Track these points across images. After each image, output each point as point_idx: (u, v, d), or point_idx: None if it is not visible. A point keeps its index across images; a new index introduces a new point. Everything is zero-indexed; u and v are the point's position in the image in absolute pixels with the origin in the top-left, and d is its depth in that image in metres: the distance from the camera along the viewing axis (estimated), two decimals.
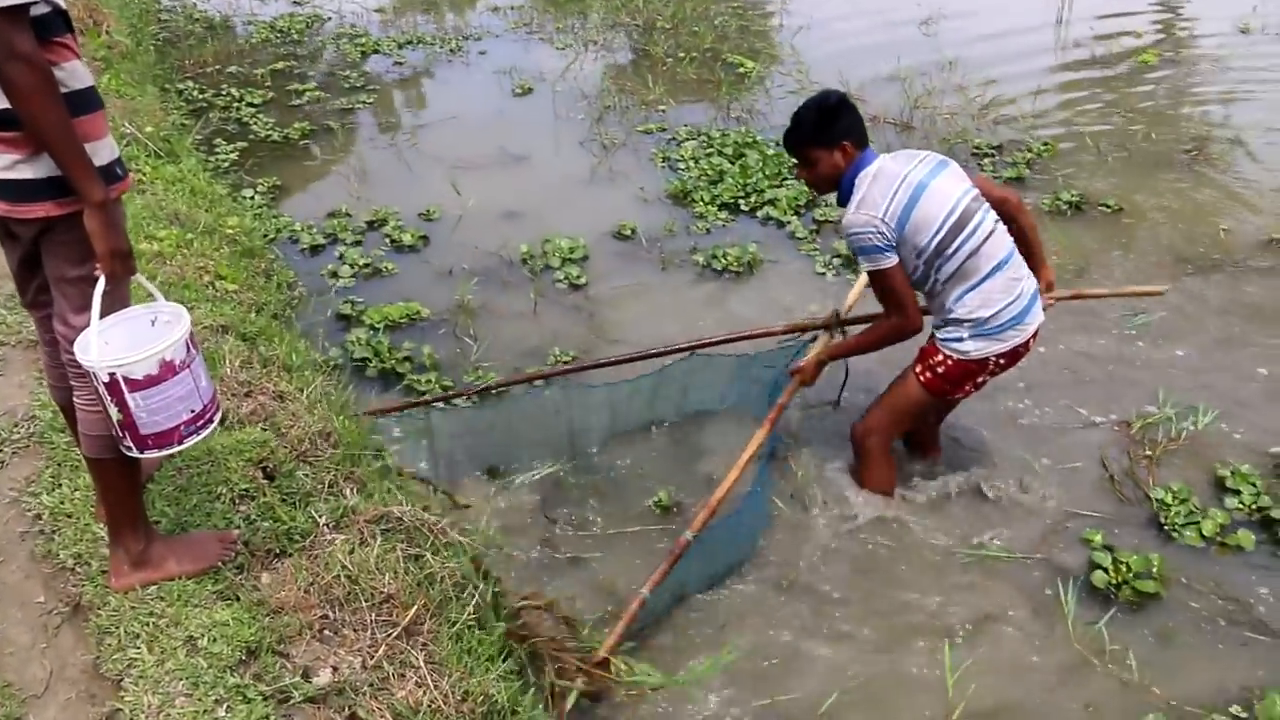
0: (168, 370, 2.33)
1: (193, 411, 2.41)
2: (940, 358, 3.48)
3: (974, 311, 3.36)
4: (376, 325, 5.10)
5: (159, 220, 4.95)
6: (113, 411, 2.33)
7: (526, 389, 4.44)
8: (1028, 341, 3.47)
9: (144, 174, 5.53)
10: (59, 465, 3.13)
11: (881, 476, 3.81)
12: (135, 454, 2.39)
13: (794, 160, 3.53)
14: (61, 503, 2.96)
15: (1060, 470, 4.07)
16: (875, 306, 3.65)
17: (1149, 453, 4.11)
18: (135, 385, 2.30)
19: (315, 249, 5.88)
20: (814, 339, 3.98)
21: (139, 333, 2.44)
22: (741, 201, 6.27)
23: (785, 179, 6.42)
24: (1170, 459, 4.11)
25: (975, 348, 3.42)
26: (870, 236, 3.28)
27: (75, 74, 2.20)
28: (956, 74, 8.10)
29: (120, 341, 2.38)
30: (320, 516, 2.95)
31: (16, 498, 3.07)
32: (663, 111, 7.77)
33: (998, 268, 3.36)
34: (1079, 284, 5.14)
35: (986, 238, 3.35)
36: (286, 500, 3.00)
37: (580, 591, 3.52)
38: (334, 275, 5.56)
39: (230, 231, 5.24)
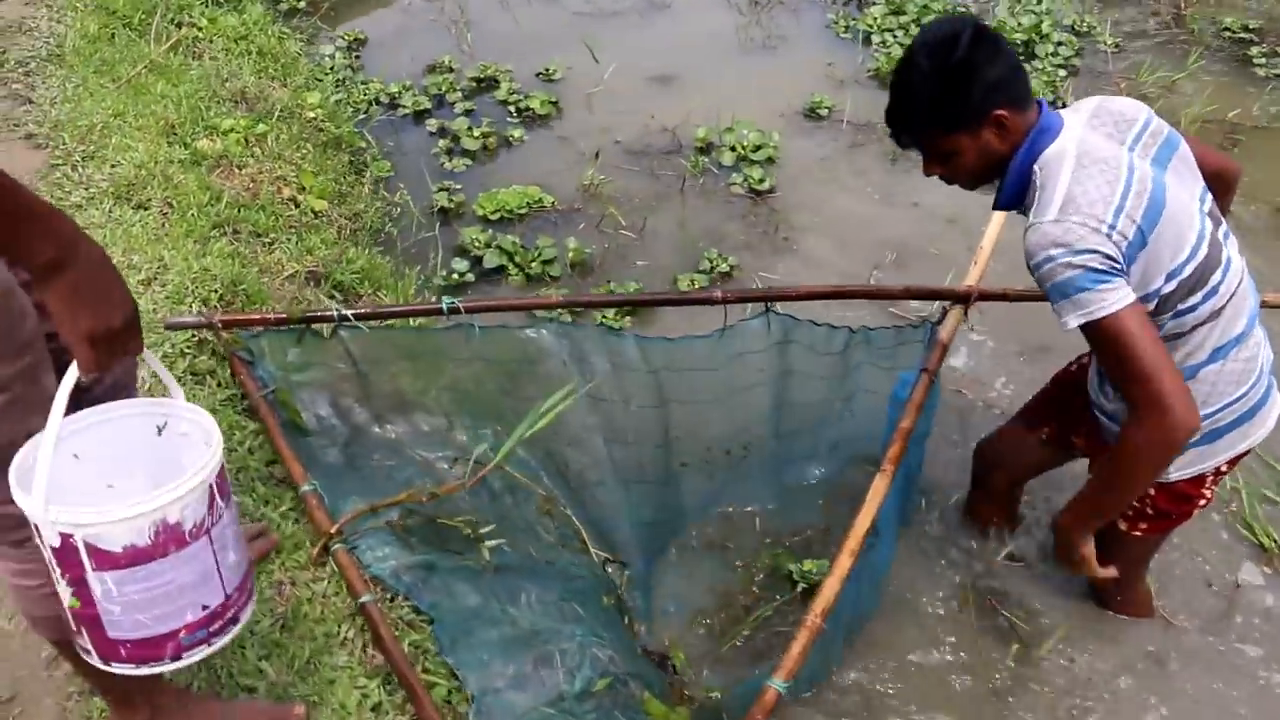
0: (170, 540, 1.32)
1: (205, 609, 1.40)
2: (1153, 495, 2.21)
3: None
4: (489, 216, 4.02)
5: (221, 101, 3.80)
6: (64, 592, 1.33)
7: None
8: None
9: (200, 29, 4.33)
10: None
11: (1146, 605, 2.64)
12: (95, 663, 1.40)
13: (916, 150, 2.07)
14: None
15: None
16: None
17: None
18: (107, 561, 1.29)
19: (420, 114, 4.72)
20: (941, 320, 2.54)
21: (129, 448, 1.43)
22: None
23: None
24: None
25: (1181, 465, 2.12)
26: (1089, 258, 1.81)
27: None
28: None
29: (94, 460, 1.38)
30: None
31: None
32: None
33: (1238, 339, 2.01)
34: None
35: (1237, 286, 1.99)
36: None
37: None
38: (447, 154, 4.44)
39: (312, 114, 4.08)
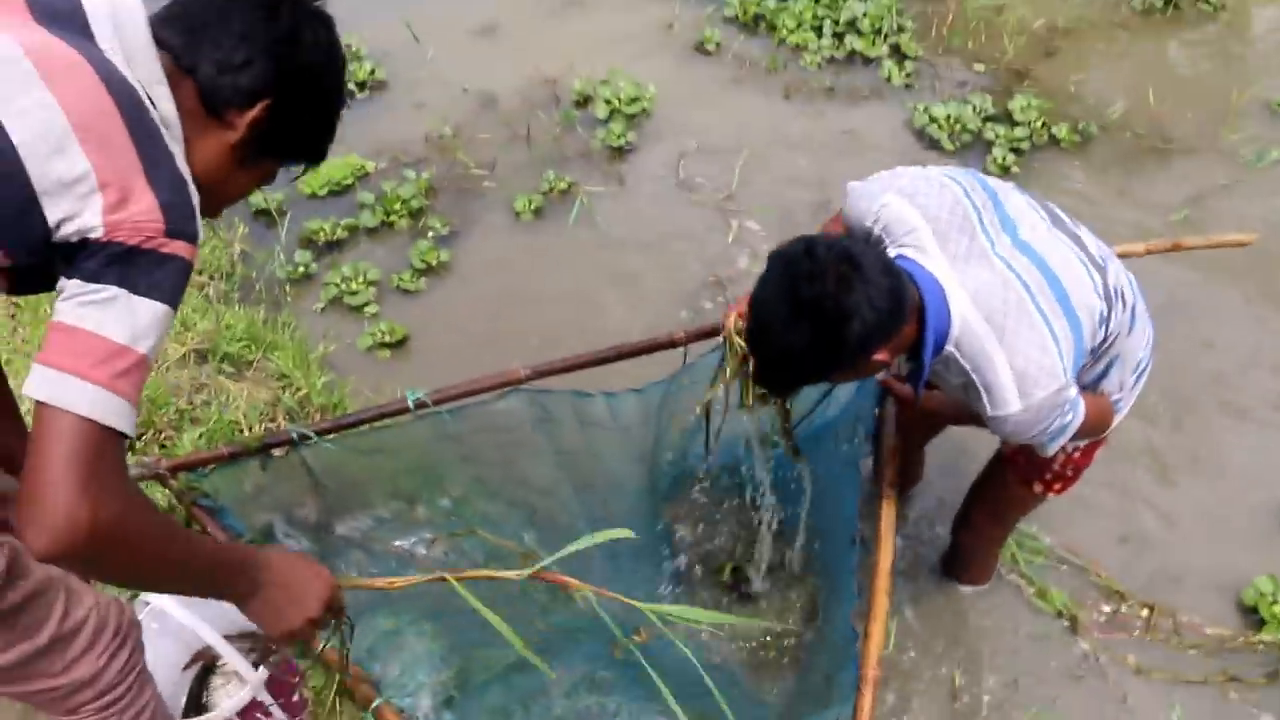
0: None
1: None
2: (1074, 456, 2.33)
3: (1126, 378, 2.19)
4: (319, 194, 3.93)
5: None
6: None
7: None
8: None
9: None
10: None
11: (990, 572, 2.96)
12: None
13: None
14: None
15: None
16: None
17: None
18: None
19: None
20: None
21: None
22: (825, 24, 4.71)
23: None
24: None
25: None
26: (1066, 409, 1.90)
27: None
28: None
29: None
30: None
31: None
32: None
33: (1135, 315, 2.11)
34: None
35: (1121, 293, 2.03)
36: None
37: None
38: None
39: None
